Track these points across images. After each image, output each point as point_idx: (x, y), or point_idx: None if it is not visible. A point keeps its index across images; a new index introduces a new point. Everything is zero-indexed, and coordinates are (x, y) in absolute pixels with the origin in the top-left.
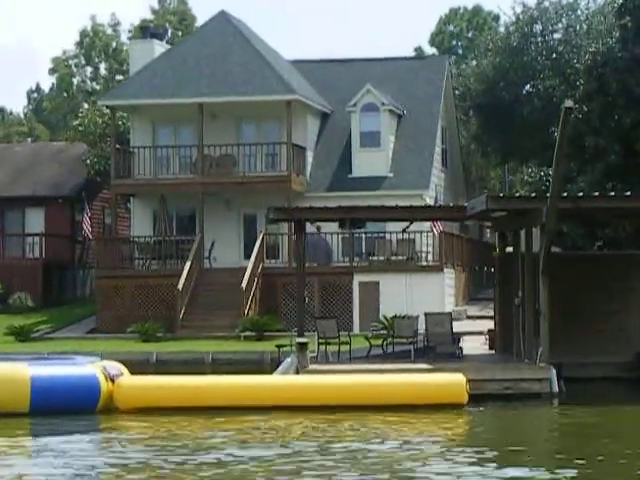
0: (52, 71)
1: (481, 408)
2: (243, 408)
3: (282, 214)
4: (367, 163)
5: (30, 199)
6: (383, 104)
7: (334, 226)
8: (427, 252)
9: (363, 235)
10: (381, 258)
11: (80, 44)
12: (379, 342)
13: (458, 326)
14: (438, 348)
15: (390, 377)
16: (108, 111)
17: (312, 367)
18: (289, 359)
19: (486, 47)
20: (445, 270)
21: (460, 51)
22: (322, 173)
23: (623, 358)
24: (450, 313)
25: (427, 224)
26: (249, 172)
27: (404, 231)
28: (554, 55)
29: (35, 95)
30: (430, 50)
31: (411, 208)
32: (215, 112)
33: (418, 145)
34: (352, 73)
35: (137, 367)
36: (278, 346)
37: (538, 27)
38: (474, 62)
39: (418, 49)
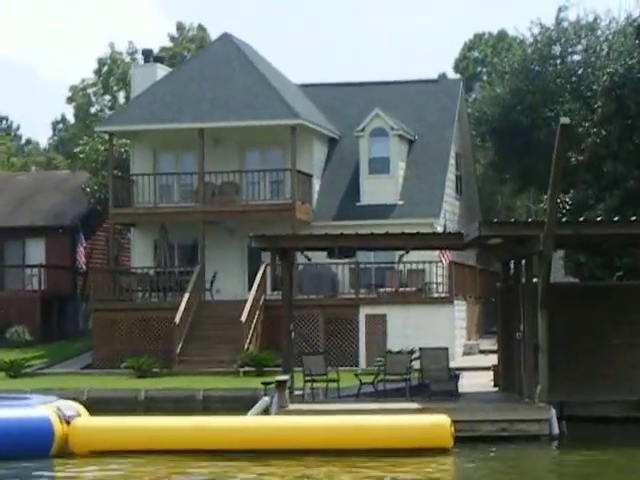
0: (69, 100)
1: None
2: (208, 451)
3: (265, 242)
4: (376, 190)
5: (30, 229)
6: (392, 129)
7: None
8: (438, 283)
9: (372, 266)
10: (390, 289)
11: (98, 72)
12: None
13: (469, 361)
14: (433, 386)
15: (368, 419)
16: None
17: (292, 407)
18: (266, 398)
19: (502, 70)
20: (456, 302)
21: (485, 77)
22: (329, 201)
23: (634, 396)
24: (446, 348)
25: (436, 254)
26: (252, 200)
27: (400, 261)
28: (573, 78)
29: (60, 126)
30: (454, 77)
31: (403, 235)
32: (218, 138)
33: (430, 171)
34: (363, 97)
35: (125, 405)
36: (264, 383)
37: (557, 49)
38: (489, 85)
39: (442, 75)
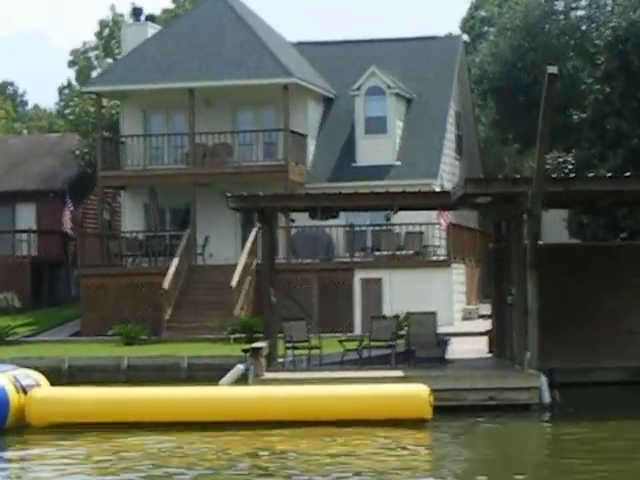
0: (71, 64)
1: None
2: (174, 424)
3: (242, 202)
4: (372, 151)
5: (20, 194)
6: (389, 87)
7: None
8: (436, 246)
9: (369, 229)
10: (386, 253)
11: (100, 35)
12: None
13: (468, 326)
14: (419, 352)
15: (340, 389)
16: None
17: (268, 375)
18: (240, 366)
19: (504, 26)
20: (454, 265)
21: (492, 37)
22: (324, 162)
23: (633, 362)
24: (434, 313)
25: (435, 215)
26: (245, 162)
27: (388, 220)
28: (576, 34)
29: (67, 91)
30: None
31: (388, 194)
32: (209, 98)
33: (428, 131)
34: (360, 55)
35: (107, 374)
36: (245, 350)
37: (560, 4)
38: (490, 42)
39: (447, 35)
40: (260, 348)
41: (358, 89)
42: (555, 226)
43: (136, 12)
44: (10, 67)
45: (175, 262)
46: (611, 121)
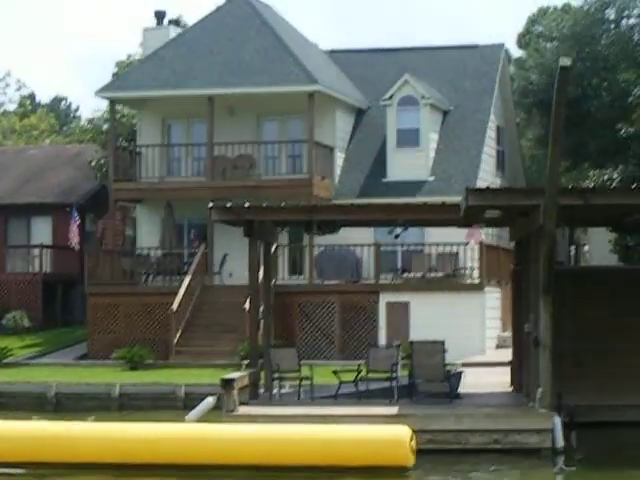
0: (115, 76)
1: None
2: (120, 466)
3: (227, 214)
4: (404, 165)
5: (36, 207)
6: (423, 97)
7: (365, 237)
8: (472, 269)
9: (399, 248)
10: (418, 275)
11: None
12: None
13: (501, 355)
14: (422, 386)
15: (309, 430)
16: (121, 107)
17: (242, 410)
18: (210, 399)
19: (550, 35)
20: (488, 289)
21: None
22: (353, 177)
23: None
24: (442, 342)
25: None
26: (268, 175)
27: (396, 238)
28: (628, 44)
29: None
30: (517, 53)
31: (391, 207)
32: (232, 106)
33: (465, 145)
34: (396, 63)
35: (98, 402)
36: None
37: (611, 12)
38: (537, 52)
39: (505, 52)
40: (233, 379)
41: (390, 98)
42: (602, 249)
43: (158, 15)
44: (65, 82)
45: (186, 281)
46: None
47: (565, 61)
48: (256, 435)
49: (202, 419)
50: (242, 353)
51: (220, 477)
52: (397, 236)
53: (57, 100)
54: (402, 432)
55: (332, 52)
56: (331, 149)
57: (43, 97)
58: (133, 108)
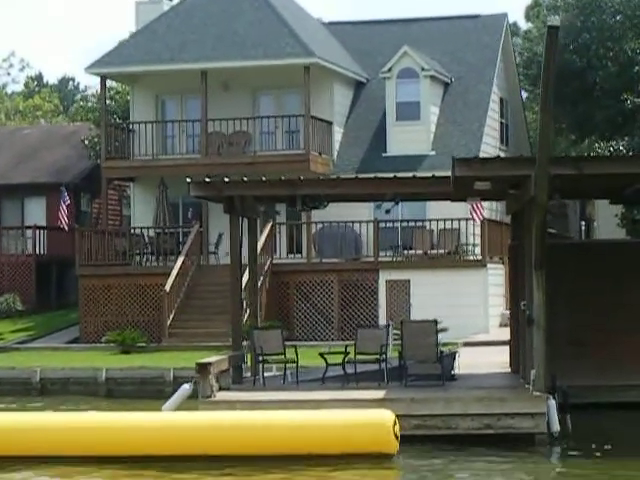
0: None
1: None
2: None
3: (205, 190)
4: (404, 139)
5: (30, 187)
6: (423, 69)
7: (363, 213)
8: (475, 245)
9: (399, 224)
10: (419, 252)
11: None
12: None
13: (505, 333)
14: (413, 368)
15: (284, 417)
16: (115, 84)
17: (220, 396)
18: (186, 385)
19: (555, 4)
20: (491, 266)
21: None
22: (352, 152)
23: None
24: (435, 321)
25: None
26: (264, 151)
27: (387, 212)
28: (634, 12)
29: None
30: (525, 26)
31: (379, 180)
32: (227, 81)
33: (467, 118)
34: (396, 35)
35: (84, 387)
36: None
37: None
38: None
39: (513, 25)
40: (208, 364)
41: (389, 71)
42: (609, 224)
43: None
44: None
45: (180, 261)
46: None
47: (553, 20)
48: (229, 423)
49: (179, 407)
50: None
51: (192, 469)
52: (388, 211)
53: (65, 81)
54: (384, 417)
55: (330, 24)
56: (329, 124)
57: (51, 78)
58: (125, 84)
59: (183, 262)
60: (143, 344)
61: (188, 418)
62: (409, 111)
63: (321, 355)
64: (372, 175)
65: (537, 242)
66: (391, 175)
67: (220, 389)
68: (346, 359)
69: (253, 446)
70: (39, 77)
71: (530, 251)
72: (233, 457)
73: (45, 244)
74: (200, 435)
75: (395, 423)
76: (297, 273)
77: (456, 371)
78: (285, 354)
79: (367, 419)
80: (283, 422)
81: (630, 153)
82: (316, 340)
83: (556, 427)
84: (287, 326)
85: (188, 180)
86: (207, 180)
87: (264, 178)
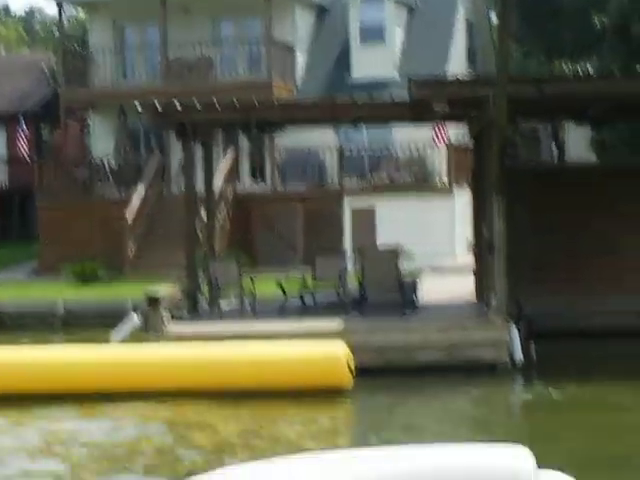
0: None
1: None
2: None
3: (158, 116)
4: (369, 63)
5: None
6: None
7: (328, 139)
8: (441, 171)
9: (364, 152)
10: (384, 179)
11: None
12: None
13: (470, 260)
14: (373, 297)
15: (242, 350)
16: (75, 11)
17: (171, 329)
18: (133, 315)
19: None
20: (458, 192)
21: None
22: (316, 77)
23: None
24: (396, 249)
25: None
26: (225, 78)
27: (349, 138)
28: None
29: None
30: None
31: (335, 105)
32: (187, 5)
33: (432, 41)
34: None
35: (41, 320)
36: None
37: None
38: None
39: None
40: (159, 295)
41: None
42: (579, 147)
43: None
44: None
45: (141, 191)
46: (637, 27)
47: None
48: (175, 357)
49: (128, 338)
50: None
51: (138, 403)
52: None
53: (31, 13)
54: (338, 351)
55: None
56: (291, 49)
57: (18, 10)
58: (83, 10)
59: (145, 192)
60: (103, 275)
61: (132, 352)
62: (373, 34)
63: (279, 285)
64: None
65: (496, 166)
66: (349, 98)
67: (174, 319)
68: (304, 289)
69: (202, 380)
70: (6, 8)
71: (490, 176)
72: (180, 392)
73: (6, 175)
74: (146, 370)
75: (350, 357)
76: (261, 201)
77: (419, 300)
78: (242, 285)
79: (319, 353)
80: (234, 356)
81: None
82: (281, 269)
83: (519, 356)
84: (251, 255)
85: (139, 107)
86: (157, 107)
87: (216, 103)
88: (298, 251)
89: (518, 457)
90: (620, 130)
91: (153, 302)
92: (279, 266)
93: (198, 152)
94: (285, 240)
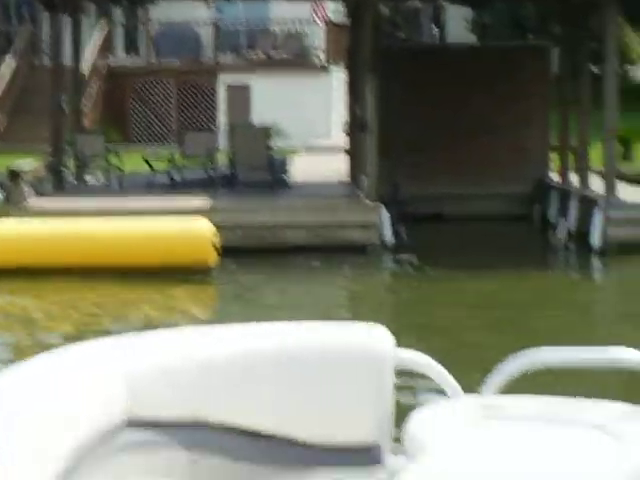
0: None
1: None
2: None
3: None
4: None
5: None
6: None
7: (203, 13)
8: (319, 48)
9: (241, 26)
10: (261, 55)
11: None
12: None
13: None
14: (243, 176)
15: (101, 226)
16: None
17: (33, 203)
18: None
19: None
20: (336, 70)
21: None
22: None
23: (515, 188)
24: (268, 127)
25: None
26: None
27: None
28: None
29: None
30: None
31: None
32: None
33: None
34: None
35: None
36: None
37: None
38: None
39: None
40: (20, 169)
41: None
42: (459, 29)
43: None
44: None
45: (10, 63)
46: None
47: None
48: (34, 232)
49: None
50: (68, 139)
51: None
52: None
53: None
54: (202, 228)
55: None
56: None
57: None
58: None
59: (16, 64)
60: None
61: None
62: None
63: (145, 161)
64: None
65: (370, 43)
66: None
67: (38, 195)
68: (172, 166)
69: (58, 257)
70: None
71: (364, 53)
72: (38, 270)
73: None
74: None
75: (215, 234)
76: (135, 75)
77: (290, 179)
78: (108, 160)
79: (183, 230)
80: (93, 232)
81: None
82: (153, 144)
83: (389, 238)
84: (124, 130)
85: None
86: None
87: None
88: (171, 127)
89: (376, 336)
90: (499, 11)
91: (14, 176)
92: (152, 142)
93: (69, 25)
94: (158, 114)
